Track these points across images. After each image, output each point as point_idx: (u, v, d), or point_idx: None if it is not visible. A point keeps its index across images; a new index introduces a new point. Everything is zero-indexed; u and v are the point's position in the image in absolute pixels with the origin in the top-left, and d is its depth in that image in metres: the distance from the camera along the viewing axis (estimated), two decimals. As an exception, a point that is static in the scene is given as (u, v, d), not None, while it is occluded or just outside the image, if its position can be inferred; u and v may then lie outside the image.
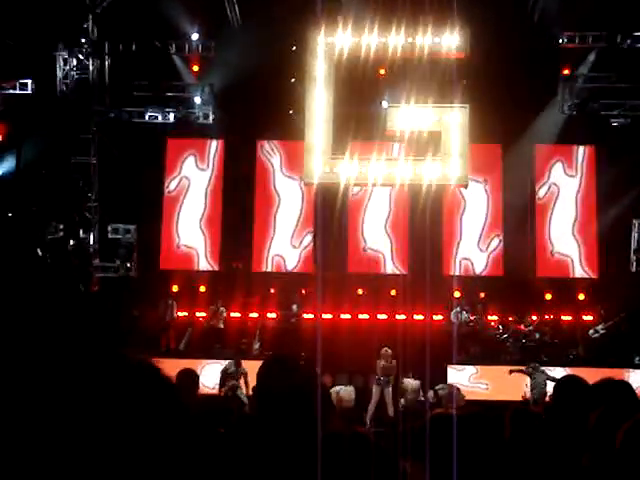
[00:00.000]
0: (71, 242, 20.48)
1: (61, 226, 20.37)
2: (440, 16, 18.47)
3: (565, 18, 20.34)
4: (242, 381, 16.33)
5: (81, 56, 20.32)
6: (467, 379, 19.33)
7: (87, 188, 20.74)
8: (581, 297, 21.57)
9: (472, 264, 21.78)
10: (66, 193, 20.42)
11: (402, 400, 17.27)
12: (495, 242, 21.92)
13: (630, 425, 2.53)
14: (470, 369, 19.49)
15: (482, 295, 21.57)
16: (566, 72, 21.41)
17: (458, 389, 16.94)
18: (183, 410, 1.43)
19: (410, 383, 17.42)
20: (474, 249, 21.86)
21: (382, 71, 19.86)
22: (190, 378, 7.41)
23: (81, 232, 20.70)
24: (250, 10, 20.37)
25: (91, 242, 20.80)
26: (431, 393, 16.95)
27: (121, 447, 1.28)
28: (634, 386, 4.32)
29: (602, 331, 20.60)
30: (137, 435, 1.31)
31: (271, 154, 22.33)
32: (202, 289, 21.18)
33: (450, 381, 18.69)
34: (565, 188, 22.09)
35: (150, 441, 1.32)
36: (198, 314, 20.89)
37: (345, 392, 17.08)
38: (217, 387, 16.70)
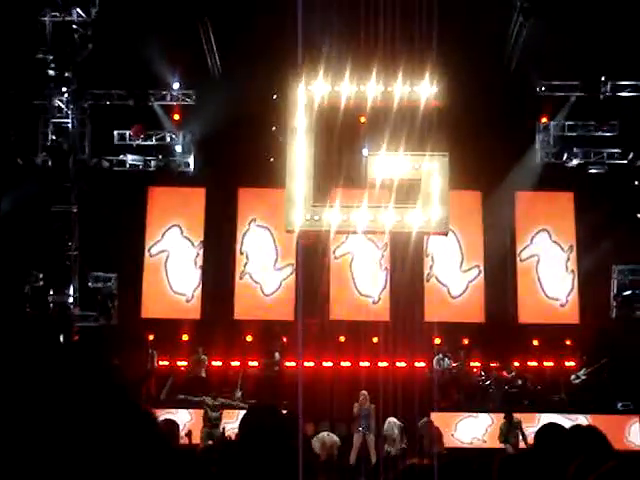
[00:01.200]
0: (51, 292, 20.37)
1: (41, 275, 20.26)
2: (418, 65, 18.68)
3: (542, 67, 20.62)
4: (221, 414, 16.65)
5: (62, 105, 20.37)
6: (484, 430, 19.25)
7: (67, 237, 20.68)
8: (567, 343, 21.62)
9: (448, 289, 21.85)
10: (46, 242, 20.35)
11: (386, 446, 17.17)
12: (474, 272, 22.00)
13: (597, 476, 2.54)
14: (485, 418, 19.38)
15: (464, 341, 21.57)
16: (544, 120, 21.65)
17: (437, 428, 16.90)
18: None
19: (394, 423, 17.32)
20: (452, 274, 21.94)
21: (363, 119, 20.02)
22: (170, 429, 7.38)
23: (61, 280, 20.58)
24: (231, 59, 20.55)
25: (71, 291, 20.69)
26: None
27: None
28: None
29: (584, 377, 20.61)
30: None
31: (251, 202, 22.40)
32: (184, 337, 21.07)
33: (465, 433, 18.80)
34: (547, 253, 22.23)
35: None
36: (179, 363, 20.76)
37: (329, 438, 17.01)
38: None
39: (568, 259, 22.15)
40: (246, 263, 22.10)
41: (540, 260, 22.19)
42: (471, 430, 19.24)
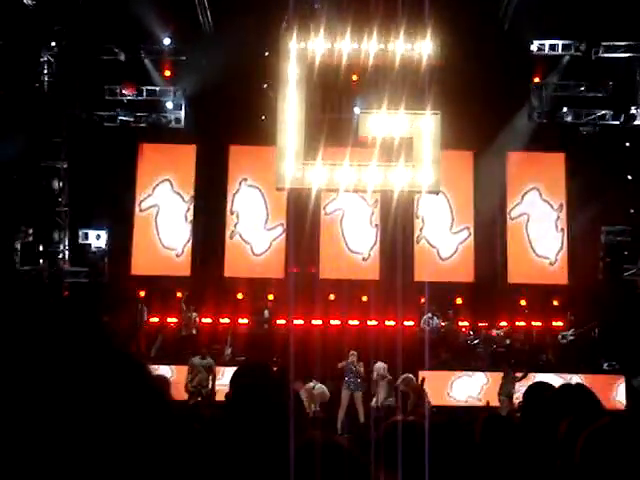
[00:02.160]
0: (41, 247, 20.35)
1: (31, 230, 20.22)
2: (413, 24, 18.58)
3: (536, 27, 20.50)
4: (209, 375, 16.47)
5: (52, 59, 20.20)
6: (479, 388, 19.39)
7: (57, 192, 20.62)
8: (555, 303, 21.72)
9: (438, 250, 21.92)
10: (36, 197, 20.28)
11: (374, 400, 17.27)
12: (464, 234, 22.05)
13: (589, 433, 2.56)
14: (480, 377, 19.52)
15: (453, 301, 21.65)
16: (537, 80, 21.57)
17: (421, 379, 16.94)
18: (170, 410, 1.43)
19: (381, 367, 17.38)
20: (442, 236, 21.98)
21: (355, 77, 19.92)
22: (162, 384, 7.40)
23: (51, 236, 20.55)
24: (222, 15, 20.35)
25: (61, 247, 20.67)
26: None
27: (112, 445, 1.28)
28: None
29: (571, 337, 20.75)
30: (127, 434, 1.31)
31: (242, 160, 22.34)
32: (174, 294, 21.08)
33: (460, 392, 18.94)
34: (537, 211, 22.25)
35: (140, 440, 1.32)
36: (169, 319, 20.81)
37: (319, 389, 17.12)
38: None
39: (558, 218, 22.19)
40: (236, 223, 22.07)
41: (530, 218, 22.22)
42: (467, 389, 19.39)
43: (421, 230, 22.01)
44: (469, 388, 19.42)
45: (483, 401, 18.58)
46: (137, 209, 21.98)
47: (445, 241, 22.05)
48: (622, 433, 2.48)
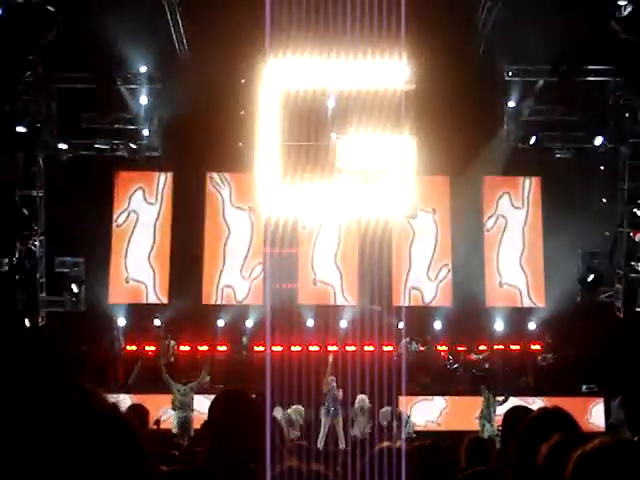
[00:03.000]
0: (17, 277, 20.19)
1: (6, 260, 20.08)
2: (388, 49, 18.70)
3: (510, 51, 20.67)
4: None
5: (27, 87, 20.14)
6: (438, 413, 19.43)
7: (33, 221, 20.51)
8: (531, 327, 21.78)
9: (422, 294, 21.90)
10: (11, 226, 20.16)
11: (356, 429, 17.24)
12: (444, 272, 22.08)
13: (583, 455, 2.55)
14: (439, 402, 19.56)
15: (432, 325, 21.66)
16: (511, 104, 21.72)
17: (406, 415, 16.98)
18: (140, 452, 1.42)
19: (363, 399, 17.36)
20: (423, 278, 21.98)
21: (331, 103, 19.99)
22: (139, 415, 7.34)
23: (27, 265, 20.41)
24: (198, 43, 20.41)
25: (37, 276, 20.53)
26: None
27: None
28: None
29: (550, 360, 20.82)
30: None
31: (221, 186, 22.31)
32: (154, 323, 20.98)
33: (421, 414, 18.91)
34: (512, 220, 22.37)
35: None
36: (147, 348, 20.70)
37: (294, 412, 17.02)
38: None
39: (530, 242, 22.25)
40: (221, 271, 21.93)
41: (507, 225, 22.23)
42: (426, 413, 19.41)
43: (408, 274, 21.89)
44: (428, 412, 19.44)
45: (442, 426, 18.64)
46: (114, 225, 21.87)
47: (426, 285, 22.01)
48: (619, 455, 2.48)
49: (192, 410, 16.72)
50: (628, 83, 20.07)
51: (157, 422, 14.94)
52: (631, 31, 18.76)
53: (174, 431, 16.56)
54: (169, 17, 20.13)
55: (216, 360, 20.56)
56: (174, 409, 16.72)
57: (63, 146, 20.92)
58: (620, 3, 18.88)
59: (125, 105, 21.38)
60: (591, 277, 20.83)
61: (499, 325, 21.71)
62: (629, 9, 18.87)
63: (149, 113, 21.48)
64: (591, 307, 20.98)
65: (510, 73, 21.23)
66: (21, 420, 1.35)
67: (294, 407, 17.16)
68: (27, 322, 19.24)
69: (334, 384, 17.55)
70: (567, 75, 20.70)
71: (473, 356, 21.01)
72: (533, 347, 21.67)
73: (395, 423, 16.91)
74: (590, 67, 20.80)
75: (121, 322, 21.05)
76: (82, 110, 21.09)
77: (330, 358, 17.88)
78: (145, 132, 21.51)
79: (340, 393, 17.78)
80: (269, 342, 19.24)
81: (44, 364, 17.12)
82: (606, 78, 20.87)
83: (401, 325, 20.66)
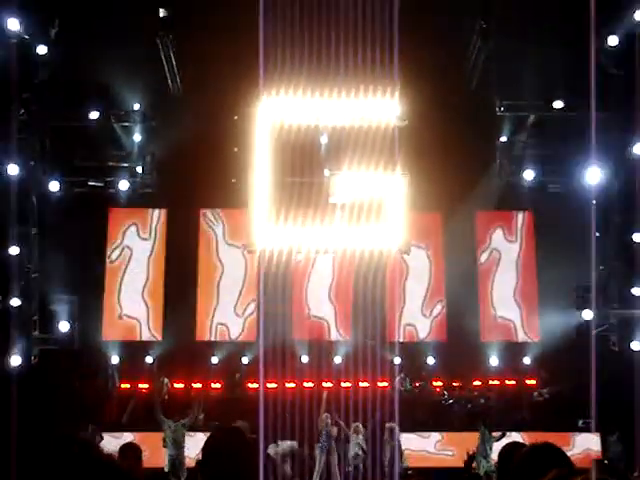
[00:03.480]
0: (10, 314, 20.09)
1: (0, 297, 20.01)
2: (380, 85, 18.83)
3: (502, 86, 20.82)
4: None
5: (21, 125, 20.19)
6: (433, 446, 19.35)
7: (27, 258, 20.48)
8: (527, 361, 21.72)
9: (416, 330, 21.85)
10: (5, 264, 20.11)
11: (350, 454, 17.11)
12: (438, 308, 22.04)
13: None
14: (435, 436, 19.51)
15: (427, 361, 21.59)
16: (503, 139, 21.82)
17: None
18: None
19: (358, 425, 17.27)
20: (418, 315, 21.93)
21: (324, 140, 20.06)
22: (133, 453, 7.29)
23: (21, 303, 20.33)
24: (192, 80, 20.52)
25: (31, 314, 20.45)
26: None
27: None
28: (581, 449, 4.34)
29: (546, 395, 20.75)
30: None
31: (214, 222, 22.32)
32: (146, 360, 20.89)
33: (415, 448, 18.79)
34: (506, 253, 22.38)
35: None
36: (141, 385, 20.59)
37: (284, 448, 16.88)
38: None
39: (525, 277, 22.25)
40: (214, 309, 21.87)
41: (500, 259, 22.24)
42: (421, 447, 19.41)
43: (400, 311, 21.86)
44: (426, 448, 19.40)
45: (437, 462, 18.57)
46: (107, 261, 21.83)
47: (420, 321, 21.98)
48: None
49: (184, 448, 16.57)
50: (617, 117, 20.18)
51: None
52: (620, 66, 18.93)
53: (166, 470, 16.42)
54: (162, 55, 20.26)
55: (210, 397, 20.44)
56: (165, 446, 16.57)
57: (56, 184, 20.93)
58: (609, 39, 19.10)
59: (119, 142, 21.44)
60: (585, 311, 20.81)
61: (494, 360, 21.65)
62: (617, 44, 19.10)
63: (143, 150, 21.53)
64: (586, 341, 20.91)
65: (502, 108, 21.35)
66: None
67: (288, 443, 17.06)
68: (20, 360, 19.11)
69: (329, 421, 17.47)
70: (559, 109, 20.84)
71: (468, 392, 20.89)
72: (528, 382, 21.60)
73: (387, 439, 16.82)
74: (581, 102, 20.89)
75: (115, 359, 20.95)
76: (76, 148, 21.14)
77: (324, 395, 17.82)
78: (139, 169, 21.56)
79: (335, 430, 17.69)
80: (262, 379, 19.13)
81: (38, 402, 17.04)
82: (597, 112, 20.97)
83: (397, 360, 20.61)
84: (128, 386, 20.54)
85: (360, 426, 17.35)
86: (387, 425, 17.36)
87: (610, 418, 18.98)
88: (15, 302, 20.08)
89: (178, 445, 16.56)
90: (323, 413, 17.75)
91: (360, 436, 17.34)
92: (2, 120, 19.61)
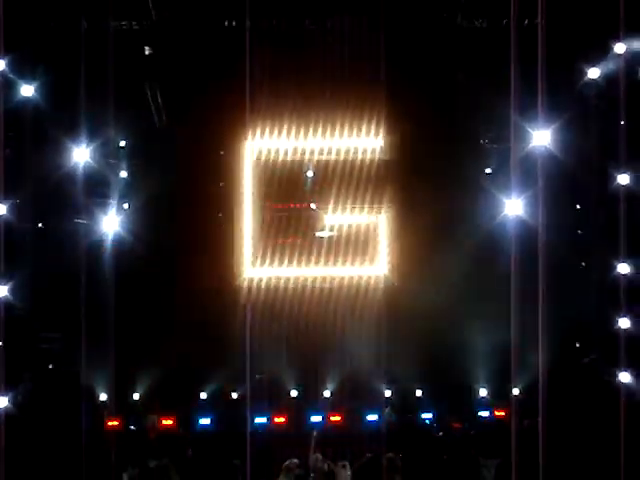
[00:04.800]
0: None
1: None
2: (364, 119, 19.01)
3: (487, 117, 20.86)
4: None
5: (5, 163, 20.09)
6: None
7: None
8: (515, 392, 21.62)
9: None
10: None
11: None
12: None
13: None
14: None
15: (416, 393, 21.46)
16: (488, 171, 21.80)
17: None
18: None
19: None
20: None
21: (310, 173, 20.12)
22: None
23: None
24: (176, 114, 20.54)
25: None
26: None
27: None
28: None
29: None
30: None
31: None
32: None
33: None
34: None
35: None
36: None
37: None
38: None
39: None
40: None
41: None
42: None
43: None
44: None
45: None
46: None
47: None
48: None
49: None
50: (601, 147, 20.24)
51: None
52: (601, 97, 19.06)
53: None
54: (149, 93, 20.36)
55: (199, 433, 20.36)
56: None
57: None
58: (589, 71, 19.25)
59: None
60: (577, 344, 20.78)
61: (483, 391, 21.62)
62: (599, 75, 19.24)
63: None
64: (576, 372, 20.90)
65: (486, 140, 21.38)
66: None
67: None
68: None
69: (319, 459, 17.22)
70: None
71: (459, 424, 20.84)
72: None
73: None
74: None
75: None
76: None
77: (314, 433, 17.66)
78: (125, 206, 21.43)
79: (326, 466, 17.48)
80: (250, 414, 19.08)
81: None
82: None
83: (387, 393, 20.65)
84: (116, 424, 20.44)
85: (347, 464, 17.17)
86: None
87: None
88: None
89: None
90: (313, 454, 17.50)
91: (348, 472, 17.15)
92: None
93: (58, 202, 21.02)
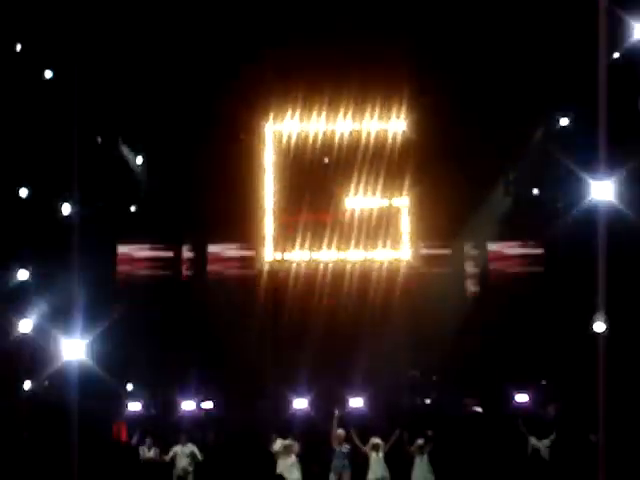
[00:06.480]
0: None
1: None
2: (386, 102, 19.19)
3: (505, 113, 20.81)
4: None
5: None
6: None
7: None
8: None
9: None
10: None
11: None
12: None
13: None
14: None
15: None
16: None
17: None
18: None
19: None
20: None
21: (326, 160, 20.16)
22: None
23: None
24: (199, 98, 20.61)
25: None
26: None
27: None
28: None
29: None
30: None
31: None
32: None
33: None
34: None
35: None
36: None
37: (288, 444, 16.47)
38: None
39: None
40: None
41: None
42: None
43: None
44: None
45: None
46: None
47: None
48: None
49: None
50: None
51: None
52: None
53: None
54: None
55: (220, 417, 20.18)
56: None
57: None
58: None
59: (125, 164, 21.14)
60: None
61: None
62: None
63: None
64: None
65: (503, 133, 21.34)
66: None
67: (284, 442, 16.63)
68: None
69: (341, 439, 16.89)
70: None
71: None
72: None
73: None
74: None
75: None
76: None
77: (336, 412, 17.33)
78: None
79: (347, 448, 17.13)
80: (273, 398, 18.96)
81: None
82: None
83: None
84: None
85: (380, 442, 16.65)
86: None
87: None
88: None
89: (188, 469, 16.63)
90: (336, 430, 17.17)
91: (380, 454, 16.67)
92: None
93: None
